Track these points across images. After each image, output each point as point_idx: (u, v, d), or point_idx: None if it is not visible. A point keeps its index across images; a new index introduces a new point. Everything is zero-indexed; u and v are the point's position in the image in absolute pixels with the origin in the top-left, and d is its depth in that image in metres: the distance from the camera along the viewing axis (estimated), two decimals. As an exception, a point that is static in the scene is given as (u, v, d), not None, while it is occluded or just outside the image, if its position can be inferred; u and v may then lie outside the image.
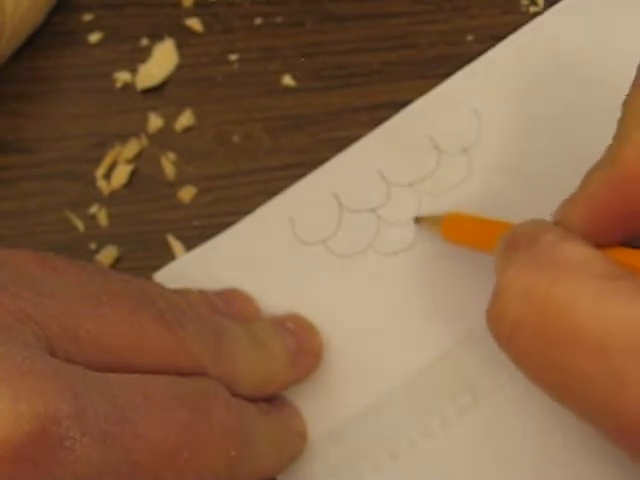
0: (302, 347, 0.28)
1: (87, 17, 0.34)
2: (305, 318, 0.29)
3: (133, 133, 0.32)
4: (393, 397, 0.28)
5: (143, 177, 0.32)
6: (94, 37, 0.33)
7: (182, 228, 0.31)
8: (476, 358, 0.27)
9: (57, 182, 0.32)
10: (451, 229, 0.26)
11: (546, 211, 0.27)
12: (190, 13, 0.33)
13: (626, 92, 0.22)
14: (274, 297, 0.29)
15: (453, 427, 0.27)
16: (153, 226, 0.31)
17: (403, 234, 0.28)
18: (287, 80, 0.32)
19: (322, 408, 0.28)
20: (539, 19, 0.30)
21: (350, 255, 0.29)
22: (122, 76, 0.33)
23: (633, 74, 0.22)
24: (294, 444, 0.28)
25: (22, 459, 0.18)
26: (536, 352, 0.20)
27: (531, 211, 0.28)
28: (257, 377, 0.26)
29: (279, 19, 0.33)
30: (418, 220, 0.28)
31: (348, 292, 0.28)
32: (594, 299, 0.19)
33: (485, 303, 0.22)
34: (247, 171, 0.31)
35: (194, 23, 0.33)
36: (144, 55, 0.33)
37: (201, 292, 0.28)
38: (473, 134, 0.29)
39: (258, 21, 0.33)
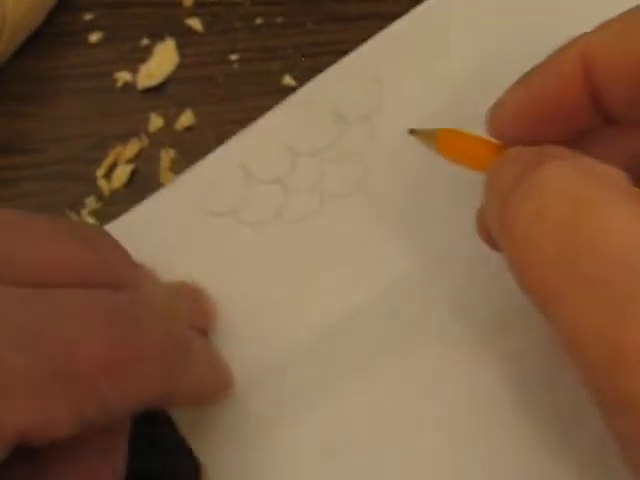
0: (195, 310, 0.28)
1: (88, 17, 0.34)
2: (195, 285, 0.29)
3: (133, 133, 0.32)
4: (299, 357, 0.28)
5: (143, 177, 0.32)
6: (95, 37, 0.33)
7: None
8: (383, 318, 0.28)
9: (57, 182, 0.32)
10: (445, 143, 0.26)
11: (447, 173, 0.27)
12: (191, 13, 0.33)
13: (531, 59, 0.23)
14: (186, 270, 0.29)
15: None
16: (153, 226, 0.31)
17: (308, 202, 0.29)
18: (287, 80, 0.32)
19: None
20: None
21: (259, 224, 0.29)
22: (123, 76, 0.33)
23: (538, 42, 0.23)
24: (224, 376, 0.28)
25: None
26: (557, 249, 0.18)
27: (431, 174, 0.28)
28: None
29: (280, 19, 0.33)
30: (413, 132, 0.27)
31: (258, 260, 0.29)
32: (631, 220, 0.17)
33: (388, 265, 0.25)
34: (247, 171, 0.31)
35: (195, 23, 0.33)
36: (145, 55, 0.33)
37: None
38: (375, 102, 0.29)
39: (259, 21, 0.33)
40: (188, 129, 0.32)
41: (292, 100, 0.30)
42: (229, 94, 0.32)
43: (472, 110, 0.25)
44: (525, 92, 0.23)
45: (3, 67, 0.32)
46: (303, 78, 0.32)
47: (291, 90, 0.32)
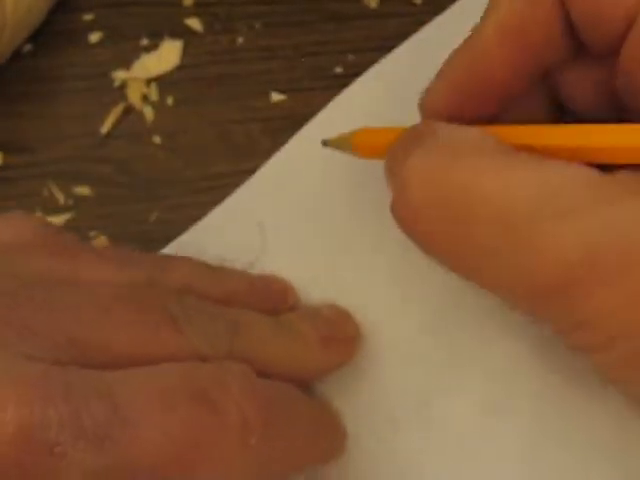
0: (336, 333, 0.27)
1: (87, 17, 0.34)
2: (340, 306, 0.28)
3: (133, 133, 0.32)
4: None
5: (143, 177, 0.32)
6: (94, 36, 0.33)
7: (183, 229, 0.31)
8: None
9: (56, 181, 0.32)
10: (362, 144, 0.26)
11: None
12: (190, 13, 0.33)
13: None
14: None
15: None
16: (154, 227, 0.31)
17: None
18: (287, 80, 0.32)
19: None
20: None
21: None
22: (122, 75, 0.33)
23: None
24: (335, 437, 0.27)
25: (8, 467, 0.18)
26: (442, 230, 0.21)
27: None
28: (285, 365, 0.25)
29: (279, 19, 0.33)
30: (326, 143, 0.28)
31: None
32: (496, 170, 0.20)
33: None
34: (247, 171, 0.31)
35: (194, 23, 0.33)
36: (144, 55, 0.33)
37: (243, 272, 0.28)
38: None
39: (259, 21, 0.33)
40: (188, 129, 0.32)
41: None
42: (229, 94, 0.32)
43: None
44: (450, 82, 0.23)
45: (3, 67, 0.32)
46: (303, 78, 0.32)
47: (291, 90, 0.32)
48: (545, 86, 0.24)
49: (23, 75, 0.33)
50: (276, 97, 0.32)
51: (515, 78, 0.23)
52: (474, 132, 0.21)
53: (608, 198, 0.19)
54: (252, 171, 0.31)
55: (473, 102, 0.23)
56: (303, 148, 0.31)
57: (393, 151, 0.23)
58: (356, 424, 0.27)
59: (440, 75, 0.24)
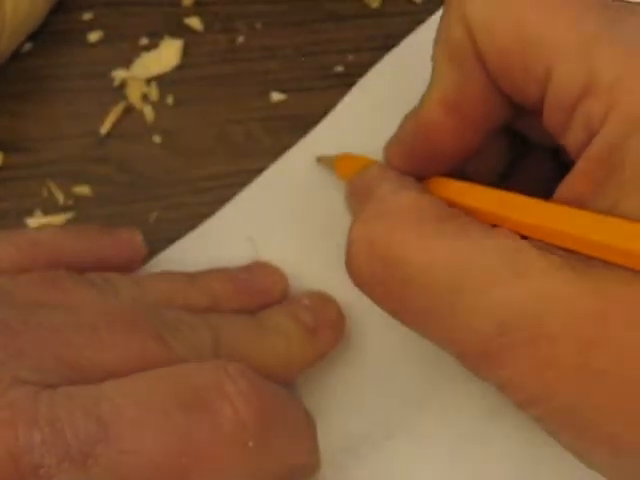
0: (320, 320, 0.27)
1: (87, 16, 0.33)
2: (319, 292, 0.29)
3: (133, 132, 0.32)
4: None
5: (143, 177, 0.32)
6: (94, 36, 0.33)
7: (183, 229, 0.31)
8: None
9: (56, 181, 0.32)
10: (343, 167, 0.28)
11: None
12: (190, 12, 0.33)
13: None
14: None
15: None
16: (154, 227, 0.31)
17: None
18: (287, 80, 0.32)
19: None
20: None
21: None
22: (121, 75, 0.33)
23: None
24: (312, 449, 0.25)
25: None
26: (383, 293, 0.22)
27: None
28: (273, 361, 0.26)
29: (279, 19, 0.33)
30: (319, 159, 0.30)
31: None
32: (422, 245, 0.21)
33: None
34: (247, 171, 0.31)
35: (194, 22, 0.33)
36: (144, 54, 0.33)
37: (224, 270, 0.28)
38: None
39: (258, 20, 0.33)
40: (188, 129, 0.32)
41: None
42: (229, 93, 0.32)
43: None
44: (401, 146, 0.25)
45: (2, 66, 0.32)
46: (303, 78, 0.32)
47: (291, 90, 0.32)
48: (505, 131, 0.25)
49: (23, 74, 0.33)
50: (276, 97, 0.32)
51: (463, 143, 0.23)
52: (412, 197, 0.22)
53: (520, 272, 0.19)
54: (252, 171, 0.31)
55: (426, 165, 0.24)
56: (294, 162, 0.31)
57: (348, 196, 0.25)
58: (349, 432, 0.27)
59: (394, 138, 0.25)
